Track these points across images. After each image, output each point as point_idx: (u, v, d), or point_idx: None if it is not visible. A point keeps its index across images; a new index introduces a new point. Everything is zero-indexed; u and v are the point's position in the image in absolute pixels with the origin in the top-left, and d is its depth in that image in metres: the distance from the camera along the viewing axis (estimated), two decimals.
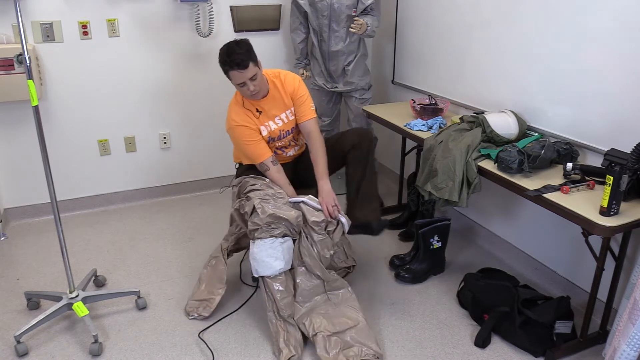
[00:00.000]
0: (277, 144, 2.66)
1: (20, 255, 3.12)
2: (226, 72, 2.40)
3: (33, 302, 2.62)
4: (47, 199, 3.48)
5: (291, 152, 2.75)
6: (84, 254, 3.13)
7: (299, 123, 2.66)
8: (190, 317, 2.54)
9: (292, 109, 2.62)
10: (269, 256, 2.32)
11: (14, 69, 3.04)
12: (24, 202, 3.52)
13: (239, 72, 2.35)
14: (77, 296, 2.48)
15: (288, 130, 2.64)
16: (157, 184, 3.86)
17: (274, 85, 2.56)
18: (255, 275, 2.37)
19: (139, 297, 2.63)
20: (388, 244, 3.25)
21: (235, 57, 2.33)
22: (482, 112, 2.79)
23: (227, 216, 3.57)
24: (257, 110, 2.55)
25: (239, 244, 2.69)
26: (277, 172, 2.56)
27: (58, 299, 2.48)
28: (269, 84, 2.55)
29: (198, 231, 3.41)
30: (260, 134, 2.57)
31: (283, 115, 2.60)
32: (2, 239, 3.31)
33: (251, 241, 2.39)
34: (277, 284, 2.34)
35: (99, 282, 2.80)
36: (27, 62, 2.15)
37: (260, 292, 2.55)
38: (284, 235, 2.36)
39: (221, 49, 2.40)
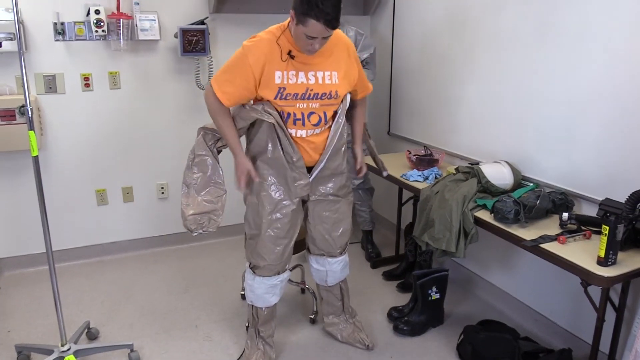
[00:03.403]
0: (297, 105, 2.16)
1: (13, 307, 3.07)
2: (304, 16, 1.92)
3: (23, 355, 2.55)
4: (42, 249, 3.43)
5: (302, 133, 2.23)
6: (78, 306, 3.08)
7: (356, 98, 2.43)
8: (195, 234, 2.27)
9: (337, 74, 2.19)
10: (268, 292, 2.41)
11: (15, 119, 3.08)
12: (19, 251, 3.49)
13: (323, 28, 1.93)
14: (68, 349, 2.42)
15: (318, 94, 2.17)
16: (154, 234, 3.85)
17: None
18: (249, 304, 2.47)
19: (132, 350, 2.57)
20: (386, 295, 3.21)
21: (330, 10, 1.89)
22: (477, 163, 2.82)
23: (225, 268, 3.56)
24: (290, 54, 2.10)
25: (223, 141, 2.39)
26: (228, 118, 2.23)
27: (49, 352, 2.42)
28: None
29: (194, 282, 3.37)
30: (268, 81, 2.11)
31: (321, 74, 2.15)
32: None
33: (250, 272, 2.42)
34: (264, 311, 2.47)
35: (92, 335, 2.75)
36: (29, 114, 2.19)
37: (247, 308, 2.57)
38: (284, 271, 2.44)
39: None
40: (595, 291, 2.10)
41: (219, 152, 2.38)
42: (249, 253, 2.42)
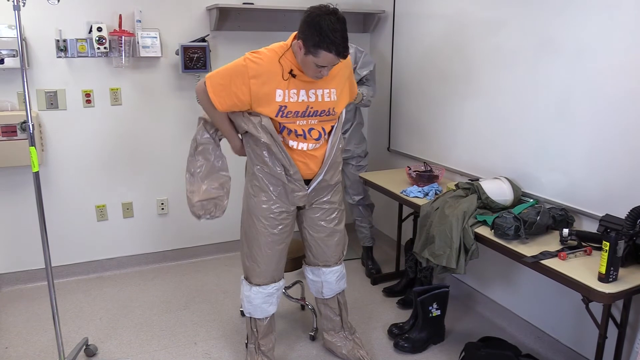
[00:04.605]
0: (297, 123, 2.22)
1: (11, 323, 3.05)
2: (315, 47, 1.99)
3: None
4: (41, 265, 3.44)
5: (304, 146, 2.27)
6: (76, 322, 3.06)
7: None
8: (202, 219, 2.40)
9: (335, 91, 2.26)
10: (265, 302, 2.44)
11: (16, 135, 3.09)
12: (18, 267, 3.47)
13: (335, 57, 2.02)
14: None
15: (317, 111, 2.24)
16: (153, 250, 3.84)
17: None
18: (247, 316, 2.49)
19: None
20: (386, 311, 3.20)
21: (340, 41, 1.98)
22: (477, 179, 2.82)
23: (224, 284, 3.55)
24: (291, 72, 2.14)
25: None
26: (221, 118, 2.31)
27: None
28: None
29: (193, 299, 3.35)
30: (269, 99, 2.14)
31: (320, 92, 2.22)
32: None
33: (245, 283, 2.45)
34: (263, 323, 2.48)
35: (90, 352, 2.72)
36: (31, 130, 2.20)
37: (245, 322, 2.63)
38: (280, 279, 2.48)
39: (319, 17, 1.98)
40: (597, 308, 2.09)
41: (220, 139, 2.45)
42: (244, 259, 2.45)
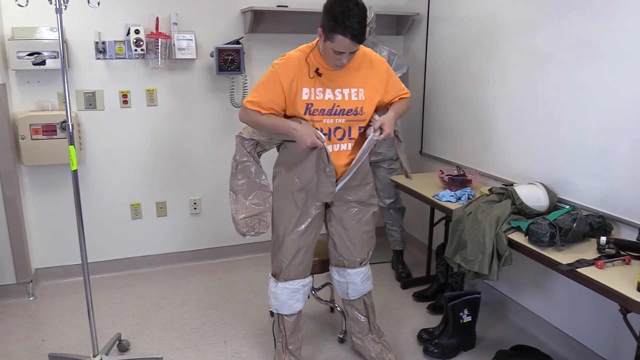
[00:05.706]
0: (324, 121, 2.24)
1: (47, 317, 3.14)
2: (332, 32, 2.01)
3: None
4: (77, 261, 3.51)
5: (329, 148, 2.27)
6: (110, 317, 3.12)
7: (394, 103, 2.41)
8: (247, 236, 2.37)
9: (363, 90, 2.26)
10: (291, 298, 2.46)
11: (56, 134, 3.19)
12: (55, 262, 3.57)
13: (350, 43, 2.02)
14: None
15: (344, 110, 2.25)
16: (186, 249, 3.89)
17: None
18: (275, 314, 2.52)
19: None
20: (416, 316, 3.17)
21: (356, 26, 1.98)
22: (511, 184, 2.78)
23: (255, 284, 3.57)
24: (317, 72, 2.19)
25: (262, 146, 2.47)
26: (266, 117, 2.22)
27: None
28: None
29: (224, 298, 3.39)
30: (296, 97, 2.18)
31: (347, 91, 2.23)
32: (30, 299, 3.34)
33: (272, 280, 2.47)
34: (290, 320, 2.50)
35: (123, 347, 2.78)
36: (70, 129, 2.26)
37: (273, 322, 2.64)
38: (306, 277, 2.49)
39: (337, 2, 2.00)
40: (635, 318, 2.03)
41: (259, 155, 2.47)
42: (272, 256, 2.49)
